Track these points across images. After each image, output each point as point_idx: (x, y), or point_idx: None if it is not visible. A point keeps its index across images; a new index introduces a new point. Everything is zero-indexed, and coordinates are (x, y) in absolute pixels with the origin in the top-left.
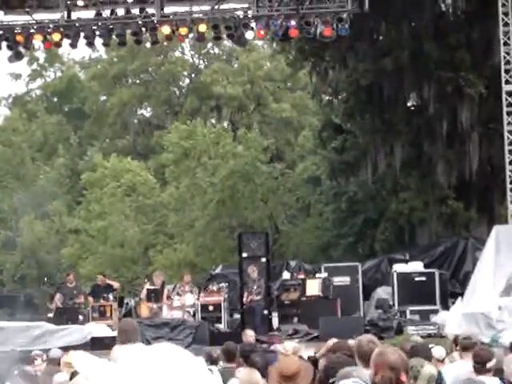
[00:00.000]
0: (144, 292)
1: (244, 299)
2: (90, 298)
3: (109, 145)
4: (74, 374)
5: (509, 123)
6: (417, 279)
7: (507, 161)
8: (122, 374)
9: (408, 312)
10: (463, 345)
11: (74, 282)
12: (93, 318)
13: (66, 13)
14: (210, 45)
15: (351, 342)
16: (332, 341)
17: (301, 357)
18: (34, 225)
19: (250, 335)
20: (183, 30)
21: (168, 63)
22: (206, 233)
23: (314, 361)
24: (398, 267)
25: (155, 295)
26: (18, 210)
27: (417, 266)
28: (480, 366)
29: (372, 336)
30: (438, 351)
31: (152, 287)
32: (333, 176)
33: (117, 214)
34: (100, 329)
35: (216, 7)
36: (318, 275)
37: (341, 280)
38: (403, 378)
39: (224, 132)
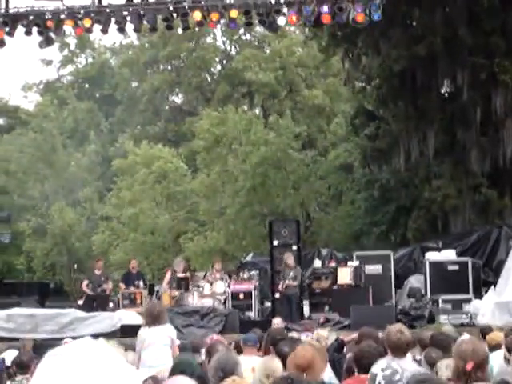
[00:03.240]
0: (165, 281)
1: (280, 286)
2: (122, 285)
3: (140, 131)
4: None
5: None
6: (449, 268)
7: None
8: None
9: (440, 301)
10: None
11: (102, 269)
12: (123, 305)
13: None
14: (241, 31)
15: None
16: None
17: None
18: (64, 212)
19: (276, 323)
20: (214, 16)
21: (199, 49)
22: (236, 220)
23: (340, 343)
24: (431, 256)
25: (178, 283)
26: (48, 196)
27: (450, 255)
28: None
29: (402, 325)
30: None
31: (181, 275)
32: (365, 163)
33: (148, 201)
34: (130, 316)
35: None
36: (349, 263)
37: (373, 268)
38: (468, 367)
39: (255, 119)
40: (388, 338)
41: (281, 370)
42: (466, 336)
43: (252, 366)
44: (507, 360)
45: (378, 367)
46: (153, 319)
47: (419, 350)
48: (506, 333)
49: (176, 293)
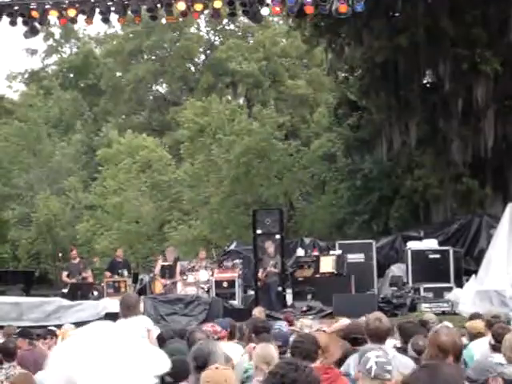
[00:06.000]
0: (158, 268)
1: (259, 274)
2: (107, 273)
3: (124, 121)
4: None
5: None
6: (431, 256)
7: None
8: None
9: (422, 289)
10: (489, 322)
11: (78, 259)
12: (107, 293)
13: None
14: (225, 21)
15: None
16: (345, 320)
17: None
18: (49, 201)
19: (258, 312)
20: (198, 6)
21: (183, 39)
22: (220, 209)
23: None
24: (413, 244)
25: (169, 271)
26: (33, 185)
27: (431, 244)
28: (498, 344)
29: (380, 313)
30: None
31: (166, 263)
32: (348, 153)
33: (132, 190)
34: (114, 304)
35: None
36: (332, 252)
37: (355, 257)
38: (450, 361)
39: (239, 108)
40: (367, 326)
41: (277, 357)
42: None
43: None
44: (493, 347)
45: (374, 353)
46: (129, 311)
47: (400, 339)
48: (488, 321)
49: (168, 282)
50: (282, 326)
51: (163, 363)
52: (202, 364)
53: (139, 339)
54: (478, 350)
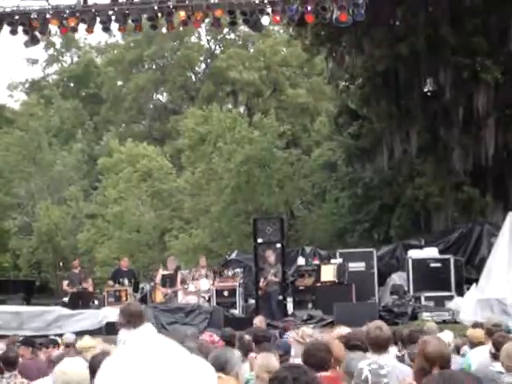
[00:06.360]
0: (158, 277)
1: (260, 283)
2: (110, 282)
3: (125, 130)
4: (94, 358)
5: None
6: (432, 265)
7: None
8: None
9: (423, 298)
10: (489, 330)
11: (79, 268)
12: (108, 302)
13: None
14: (225, 30)
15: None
16: (343, 329)
17: None
18: (50, 210)
19: (258, 321)
20: (199, 15)
21: (184, 48)
22: (221, 218)
23: None
24: (413, 253)
25: (170, 280)
26: (34, 195)
27: (432, 252)
28: (498, 353)
29: (381, 322)
30: (445, 336)
31: (166, 272)
32: (349, 162)
33: (133, 199)
34: (115, 313)
35: None
36: (333, 261)
37: (356, 266)
38: (435, 371)
39: (240, 117)
40: (367, 335)
41: (278, 367)
42: (445, 334)
43: None
44: (493, 355)
45: (365, 363)
46: (140, 319)
47: (400, 347)
48: (489, 329)
49: (169, 291)
50: (289, 336)
51: (212, 377)
52: (218, 372)
53: (185, 352)
54: (476, 359)
